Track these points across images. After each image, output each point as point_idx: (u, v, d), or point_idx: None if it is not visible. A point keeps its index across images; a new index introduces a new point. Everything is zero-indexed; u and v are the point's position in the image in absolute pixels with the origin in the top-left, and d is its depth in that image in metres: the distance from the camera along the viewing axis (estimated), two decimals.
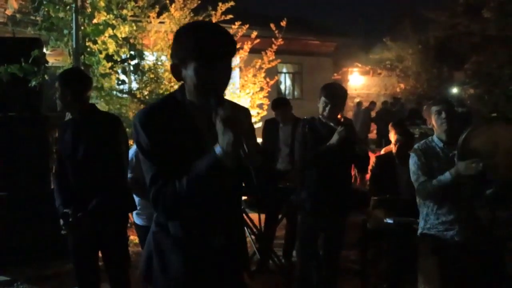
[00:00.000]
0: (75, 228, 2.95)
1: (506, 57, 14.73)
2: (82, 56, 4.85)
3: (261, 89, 7.41)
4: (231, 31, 7.20)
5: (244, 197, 5.57)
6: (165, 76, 6.35)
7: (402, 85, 20.94)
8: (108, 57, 5.01)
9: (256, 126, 7.08)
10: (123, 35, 5.30)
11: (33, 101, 4.95)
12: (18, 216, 4.84)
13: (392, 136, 5.18)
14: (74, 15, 4.72)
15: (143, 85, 6.15)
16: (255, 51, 7.54)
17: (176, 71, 1.72)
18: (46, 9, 4.81)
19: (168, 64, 6.36)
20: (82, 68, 4.73)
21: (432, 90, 19.41)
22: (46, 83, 4.87)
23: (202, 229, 1.77)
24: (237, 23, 7.17)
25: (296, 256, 4.28)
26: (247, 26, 7.28)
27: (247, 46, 7.26)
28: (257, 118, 7.29)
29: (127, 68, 5.32)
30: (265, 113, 7.32)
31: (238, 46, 6.38)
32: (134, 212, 3.80)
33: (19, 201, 4.88)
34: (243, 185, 1.86)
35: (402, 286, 4.07)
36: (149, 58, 6.36)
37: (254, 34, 7.39)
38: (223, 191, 1.71)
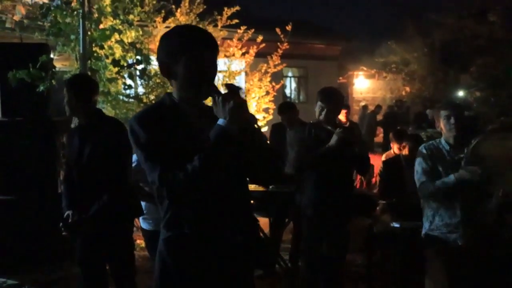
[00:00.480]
0: (74, 230, 3.01)
1: None
2: (89, 61, 4.88)
3: (267, 93, 7.42)
4: (237, 36, 7.23)
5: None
6: None
7: (407, 89, 20.88)
8: (115, 62, 5.03)
9: (262, 130, 7.10)
10: (130, 40, 5.32)
11: (41, 106, 4.98)
12: (26, 220, 4.86)
13: (394, 146, 5.24)
14: (81, 20, 4.75)
15: (150, 89, 6.17)
16: (261, 55, 7.56)
17: (166, 69, 1.84)
18: (54, 14, 4.85)
19: None
20: (89, 73, 4.76)
21: (438, 93, 19.34)
22: (54, 88, 4.90)
23: (221, 225, 1.78)
24: (243, 28, 7.18)
25: (301, 260, 4.28)
26: (252, 30, 7.30)
27: (252, 51, 7.28)
28: (263, 122, 7.30)
29: (133, 73, 5.34)
30: (271, 117, 7.33)
31: (244, 50, 6.39)
32: (141, 217, 3.82)
33: (26, 204, 4.90)
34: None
35: None
36: (156, 63, 6.35)
37: (260, 38, 7.40)
38: (234, 170, 1.79)
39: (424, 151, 3.15)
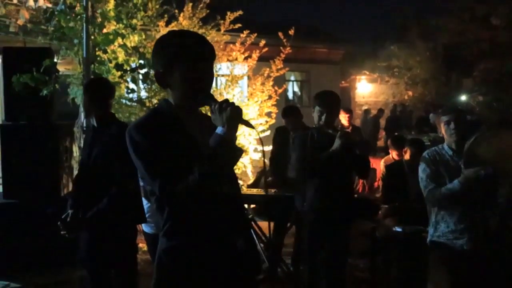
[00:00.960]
0: (70, 230, 3.03)
1: None
2: (92, 65, 4.90)
3: (270, 97, 7.42)
4: (240, 40, 7.25)
5: (252, 205, 5.58)
6: None
7: (410, 93, 20.88)
8: (118, 66, 5.05)
9: (264, 134, 7.12)
10: (133, 44, 5.35)
11: (44, 110, 5.00)
12: (29, 223, 4.88)
13: (393, 152, 5.25)
14: (84, 24, 4.78)
15: (152, 93, 6.18)
16: (263, 60, 7.56)
17: (161, 78, 1.81)
18: (57, 19, 4.87)
19: None
20: (92, 77, 4.78)
21: (441, 98, 19.33)
22: (57, 92, 4.92)
23: (221, 232, 1.77)
24: (246, 32, 7.20)
25: (302, 264, 4.27)
26: (255, 34, 7.31)
27: (255, 55, 7.28)
28: (265, 126, 7.30)
29: (136, 77, 5.36)
30: (273, 121, 7.33)
31: (246, 54, 6.36)
32: None
33: (29, 208, 4.92)
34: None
35: None
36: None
37: (262, 42, 7.41)
38: (232, 180, 1.79)
39: (427, 157, 3.14)
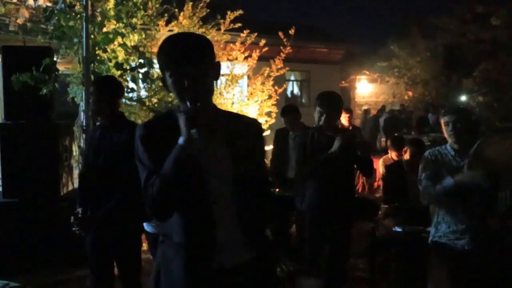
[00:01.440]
0: (83, 227, 3.05)
1: None
2: (92, 64, 4.89)
3: (270, 97, 7.42)
4: (240, 39, 7.24)
5: None
6: None
7: (410, 93, 20.89)
8: (118, 65, 5.04)
9: (264, 134, 7.10)
10: (133, 44, 5.33)
11: (44, 109, 5.00)
12: (28, 223, 4.87)
13: (392, 153, 5.24)
14: (84, 24, 4.77)
15: (152, 93, 6.18)
16: (264, 59, 7.56)
17: (163, 82, 1.83)
18: (57, 18, 4.86)
19: None
20: (92, 76, 4.77)
21: (441, 98, 19.35)
22: (57, 91, 4.91)
23: (203, 234, 1.78)
24: (246, 31, 7.20)
25: (302, 264, 4.27)
26: (255, 34, 7.31)
27: (255, 54, 7.28)
28: (265, 126, 7.30)
29: (136, 76, 5.35)
30: (273, 121, 7.33)
31: (246, 54, 6.30)
32: None
33: (29, 207, 4.91)
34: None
35: None
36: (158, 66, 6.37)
37: (263, 42, 7.41)
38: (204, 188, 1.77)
39: (428, 156, 3.14)
